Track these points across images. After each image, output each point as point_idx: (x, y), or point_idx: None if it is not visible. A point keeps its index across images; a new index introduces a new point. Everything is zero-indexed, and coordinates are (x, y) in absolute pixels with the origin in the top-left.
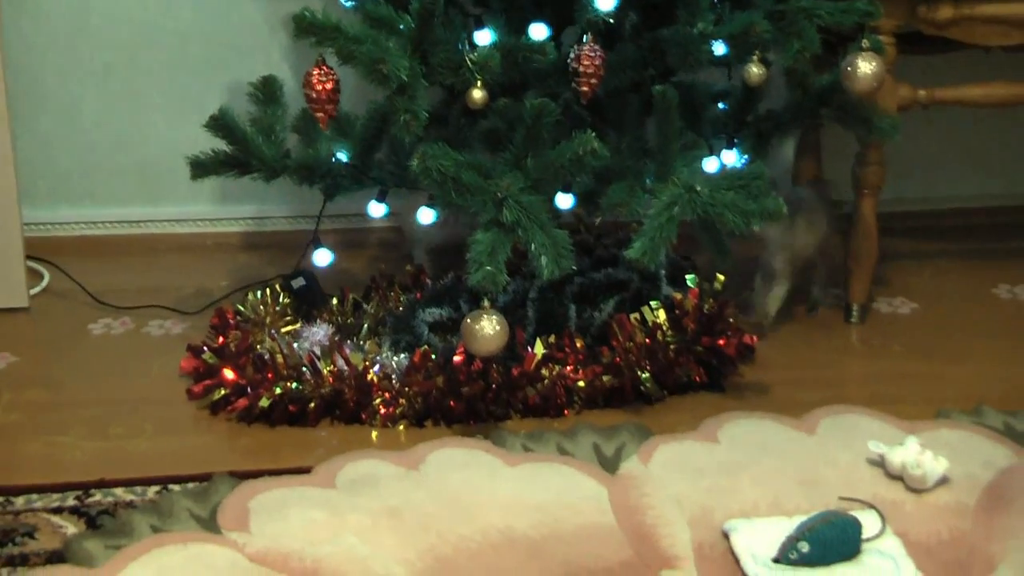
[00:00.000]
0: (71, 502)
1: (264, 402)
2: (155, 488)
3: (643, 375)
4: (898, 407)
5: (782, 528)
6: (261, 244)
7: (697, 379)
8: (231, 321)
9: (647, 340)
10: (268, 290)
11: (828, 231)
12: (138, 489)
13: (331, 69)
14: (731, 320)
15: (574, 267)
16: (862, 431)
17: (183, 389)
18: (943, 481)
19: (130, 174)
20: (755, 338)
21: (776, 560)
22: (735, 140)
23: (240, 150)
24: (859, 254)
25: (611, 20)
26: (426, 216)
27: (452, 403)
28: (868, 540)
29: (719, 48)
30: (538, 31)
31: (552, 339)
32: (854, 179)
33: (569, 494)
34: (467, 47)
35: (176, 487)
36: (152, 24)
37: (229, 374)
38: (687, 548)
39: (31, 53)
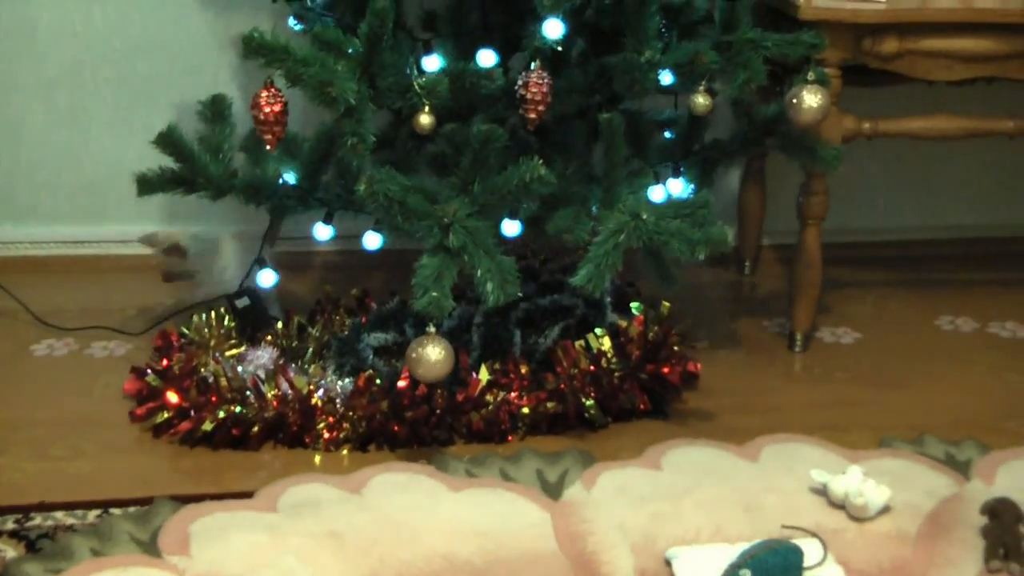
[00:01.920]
0: (10, 525)
1: (207, 425)
2: (96, 511)
3: (587, 401)
4: (841, 435)
5: (724, 555)
6: None
7: (641, 406)
8: (175, 343)
9: (591, 367)
10: (212, 312)
11: None
12: (79, 512)
13: (279, 91)
14: (675, 347)
15: (520, 293)
16: (805, 459)
17: (126, 411)
18: (885, 510)
19: (75, 192)
20: (699, 365)
21: None
22: (681, 168)
23: (187, 168)
24: (803, 283)
25: (559, 47)
26: (372, 241)
27: (396, 427)
28: (809, 568)
29: (666, 77)
30: (486, 57)
31: (497, 364)
32: (798, 209)
33: (512, 520)
34: (415, 71)
35: (117, 510)
36: (99, 40)
37: (172, 397)
38: (629, 575)
39: None
